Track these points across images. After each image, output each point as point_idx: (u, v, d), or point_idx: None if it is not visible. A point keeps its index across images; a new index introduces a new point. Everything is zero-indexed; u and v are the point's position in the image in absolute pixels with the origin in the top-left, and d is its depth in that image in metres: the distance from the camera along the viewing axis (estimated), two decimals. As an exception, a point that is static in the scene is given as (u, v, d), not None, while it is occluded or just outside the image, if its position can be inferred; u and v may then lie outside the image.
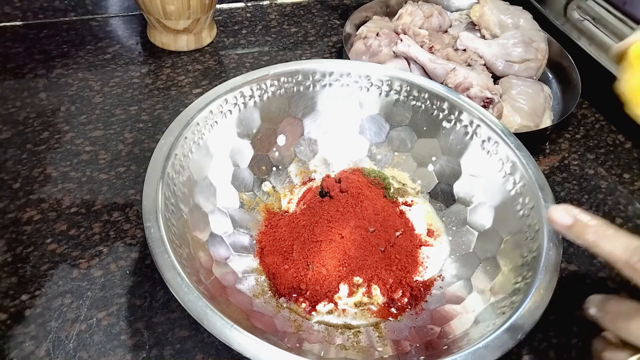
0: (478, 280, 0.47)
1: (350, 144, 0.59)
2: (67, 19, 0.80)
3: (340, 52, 0.79)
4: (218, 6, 0.85)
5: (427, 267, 0.50)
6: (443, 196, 0.56)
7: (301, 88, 0.56)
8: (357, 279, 0.48)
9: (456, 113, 0.54)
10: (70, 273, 0.49)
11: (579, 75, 0.69)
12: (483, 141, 0.52)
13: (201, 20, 0.74)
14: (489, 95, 0.62)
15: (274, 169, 0.57)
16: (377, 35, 0.72)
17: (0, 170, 0.57)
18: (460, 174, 0.55)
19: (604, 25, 0.76)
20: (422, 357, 0.40)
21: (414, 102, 0.56)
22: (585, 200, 0.60)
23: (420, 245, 0.52)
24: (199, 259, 0.43)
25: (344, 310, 0.47)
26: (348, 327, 0.46)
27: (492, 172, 0.51)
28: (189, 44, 0.76)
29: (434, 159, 0.57)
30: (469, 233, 0.52)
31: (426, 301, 0.48)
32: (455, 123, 0.54)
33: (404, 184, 0.58)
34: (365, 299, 0.47)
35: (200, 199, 0.49)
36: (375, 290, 0.48)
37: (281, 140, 0.57)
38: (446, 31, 0.79)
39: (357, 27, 0.78)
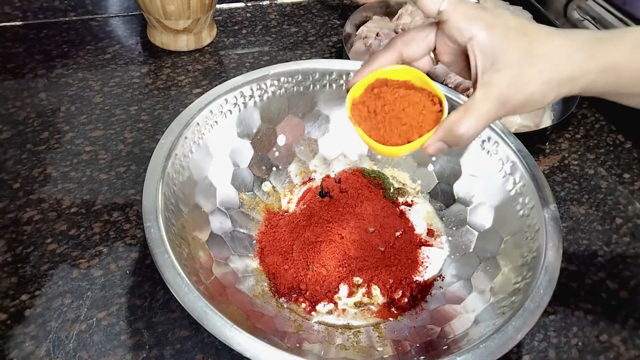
0: (478, 280, 0.47)
1: (350, 144, 0.59)
2: (67, 19, 0.80)
3: (340, 52, 0.79)
4: (218, 6, 0.85)
5: (427, 267, 0.50)
6: (443, 196, 0.56)
7: (301, 88, 0.56)
8: (357, 279, 0.48)
9: (456, 113, 0.54)
10: (70, 273, 0.49)
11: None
12: (483, 141, 0.52)
13: (201, 20, 0.74)
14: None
15: (274, 169, 0.57)
16: (377, 35, 0.72)
17: (0, 170, 0.57)
18: (460, 174, 0.55)
19: (604, 25, 0.76)
20: (422, 357, 0.40)
21: (414, 102, 0.56)
22: (585, 200, 0.60)
23: (420, 245, 0.52)
24: (199, 259, 0.43)
25: (344, 310, 0.47)
26: (348, 327, 0.46)
27: (492, 172, 0.51)
28: (189, 44, 0.76)
29: (434, 159, 0.57)
30: (469, 233, 0.52)
31: (426, 301, 0.48)
32: (455, 123, 0.54)
33: (404, 184, 0.58)
34: (365, 299, 0.47)
35: (200, 199, 0.49)
36: (375, 290, 0.48)
37: (281, 140, 0.57)
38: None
39: (357, 27, 0.78)
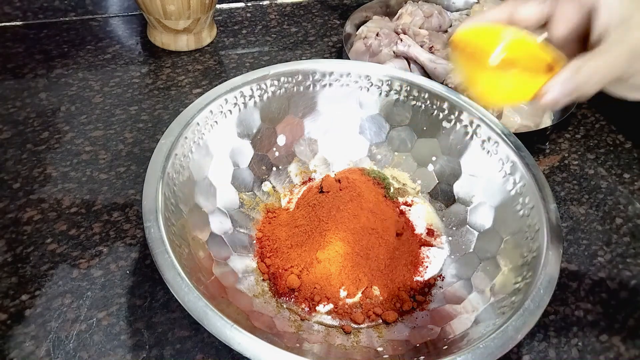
0: (478, 280, 0.47)
1: (350, 144, 0.59)
2: (67, 19, 0.80)
3: (340, 52, 0.79)
4: (218, 6, 0.85)
5: (427, 267, 0.50)
6: (443, 196, 0.56)
7: (301, 88, 0.56)
8: (357, 279, 0.48)
9: (456, 113, 0.54)
10: (70, 273, 0.49)
11: (579, 75, 0.69)
12: (483, 141, 0.52)
13: (201, 20, 0.74)
14: (489, 95, 0.61)
15: (274, 169, 0.57)
16: (377, 35, 0.72)
17: (0, 170, 0.57)
18: (460, 174, 0.55)
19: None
20: (422, 357, 0.40)
21: (414, 102, 0.56)
22: (585, 200, 0.60)
23: (420, 245, 0.52)
24: (199, 259, 0.43)
25: (343, 310, 0.47)
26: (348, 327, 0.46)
27: (492, 172, 0.51)
28: (189, 44, 0.76)
29: (434, 159, 0.57)
30: (469, 233, 0.52)
31: (426, 301, 0.48)
32: (455, 123, 0.54)
33: (404, 184, 0.58)
34: (365, 300, 0.47)
35: (200, 199, 0.49)
36: (375, 290, 0.48)
37: (281, 140, 0.57)
38: (446, 31, 0.79)
39: (357, 27, 0.78)
